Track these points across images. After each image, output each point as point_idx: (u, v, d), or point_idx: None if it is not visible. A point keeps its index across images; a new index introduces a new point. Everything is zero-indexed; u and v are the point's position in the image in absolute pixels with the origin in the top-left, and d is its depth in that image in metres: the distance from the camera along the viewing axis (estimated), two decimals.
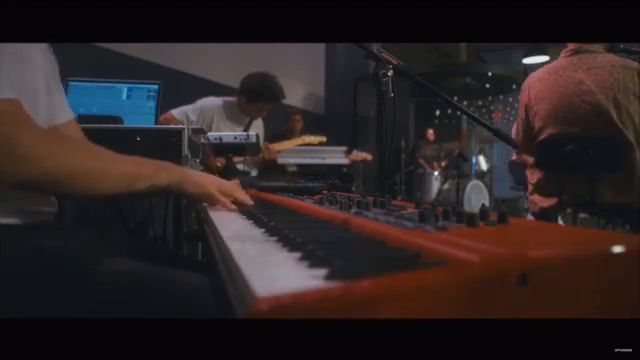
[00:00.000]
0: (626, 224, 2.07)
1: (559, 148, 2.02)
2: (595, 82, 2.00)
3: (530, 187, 2.29)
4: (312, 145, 3.48)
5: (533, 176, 2.27)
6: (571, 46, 2.14)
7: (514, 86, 7.72)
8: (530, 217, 2.37)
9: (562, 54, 2.19)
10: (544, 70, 2.23)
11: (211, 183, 0.93)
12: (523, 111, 2.30)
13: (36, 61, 0.88)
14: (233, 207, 0.92)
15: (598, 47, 2.07)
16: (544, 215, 2.20)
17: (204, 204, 0.94)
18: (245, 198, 0.96)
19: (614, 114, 1.96)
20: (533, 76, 2.28)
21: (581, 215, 2.25)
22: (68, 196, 0.91)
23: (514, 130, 2.46)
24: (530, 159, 2.28)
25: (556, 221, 2.32)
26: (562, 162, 2.05)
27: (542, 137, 2.17)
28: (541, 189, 2.21)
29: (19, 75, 0.78)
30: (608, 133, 1.97)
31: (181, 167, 0.94)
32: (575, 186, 2.08)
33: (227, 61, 4.08)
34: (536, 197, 2.24)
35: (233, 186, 0.98)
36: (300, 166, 3.68)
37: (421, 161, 6.92)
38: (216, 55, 4.00)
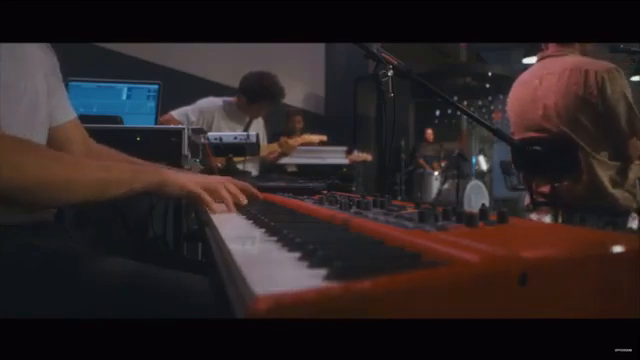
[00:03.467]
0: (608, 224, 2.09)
1: (524, 151, 2.10)
2: (546, 88, 2.06)
3: None
4: (312, 145, 3.46)
5: None
6: (541, 52, 2.18)
7: None
8: (531, 217, 2.39)
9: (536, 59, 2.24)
10: (518, 79, 2.29)
11: (192, 182, 0.85)
12: None
13: (35, 60, 0.88)
14: (215, 208, 0.83)
15: (572, 49, 2.07)
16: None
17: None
18: (233, 193, 0.88)
19: (557, 118, 2.01)
20: (514, 83, 2.34)
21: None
22: (35, 206, 0.86)
23: None
24: None
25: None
26: (528, 164, 2.16)
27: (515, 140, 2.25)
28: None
29: (17, 75, 0.78)
30: (555, 137, 2.03)
31: (161, 169, 0.88)
32: (541, 186, 2.17)
33: (227, 61, 4.07)
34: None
35: (220, 182, 0.89)
36: (300, 166, 3.68)
37: (421, 161, 6.92)
38: (216, 55, 4.00)
